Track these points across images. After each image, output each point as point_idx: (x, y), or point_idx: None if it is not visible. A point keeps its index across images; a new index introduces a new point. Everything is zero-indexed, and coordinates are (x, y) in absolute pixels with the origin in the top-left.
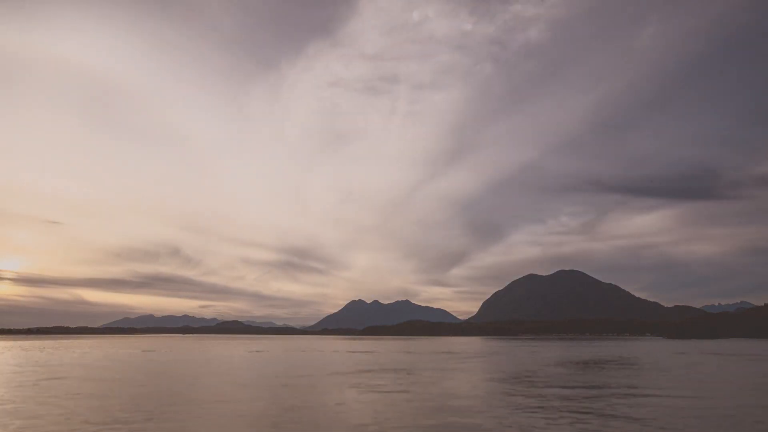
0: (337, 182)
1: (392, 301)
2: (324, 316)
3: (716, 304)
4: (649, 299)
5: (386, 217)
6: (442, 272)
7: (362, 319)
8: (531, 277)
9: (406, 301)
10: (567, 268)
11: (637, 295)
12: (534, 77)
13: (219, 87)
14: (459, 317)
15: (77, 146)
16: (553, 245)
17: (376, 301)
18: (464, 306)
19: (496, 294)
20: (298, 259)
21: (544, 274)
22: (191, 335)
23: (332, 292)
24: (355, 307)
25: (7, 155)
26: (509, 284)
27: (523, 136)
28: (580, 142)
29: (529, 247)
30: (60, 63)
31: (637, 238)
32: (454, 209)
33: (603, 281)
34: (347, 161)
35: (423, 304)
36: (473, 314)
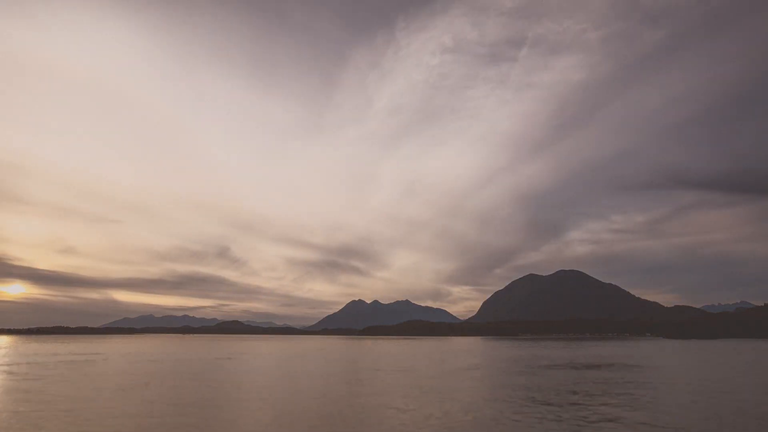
0: (403, 172)
1: (392, 301)
2: (324, 317)
3: (716, 304)
4: (649, 299)
5: (444, 212)
6: (483, 273)
7: (362, 319)
8: (531, 277)
9: (406, 301)
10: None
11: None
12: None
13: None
14: (459, 317)
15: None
16: (607, 243)
17: (376, 301)
18: (465, 306)
19: (496, 294)
20: (342, 259)
21: (545, 274)
22: (192, 335)
23: (363, 293)
24: (355, 307)
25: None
26: (509, 284)
27: (629, 121)
28: (684, 130)
29: (582, 245)
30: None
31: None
32: (518, 204)
33: (603, 281)
34: (424, 145)
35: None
36: (473, 314)
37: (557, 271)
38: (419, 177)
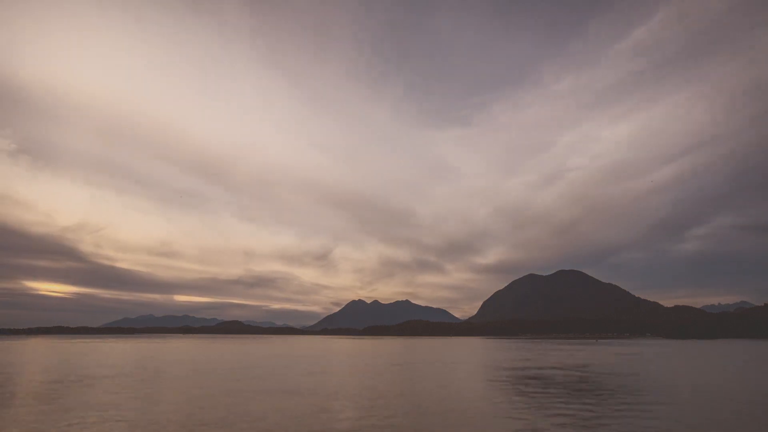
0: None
1: (392, 301)
2: (324, 316)
3: (716, 303)
4: (649, 299)
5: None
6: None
7: (362, 319)
8: (531, 277)
9: (406, 301)
10: (566, 268)
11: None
12: None
13: None
14: (459, 317)
15: None
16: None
17: (376, 301)
18: (466, 306)
19: (496, 294)
20: (434, 258)
21: (544, 274)
22: (196, 335)
23: (416, 292)
24: (355, 307)
25: None
26: (509, 284)
27: None
28: None
29: None
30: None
31: None
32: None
33: (603, 281)
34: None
35: (423, 304)
36: (473, 314)
37: (557, 271)
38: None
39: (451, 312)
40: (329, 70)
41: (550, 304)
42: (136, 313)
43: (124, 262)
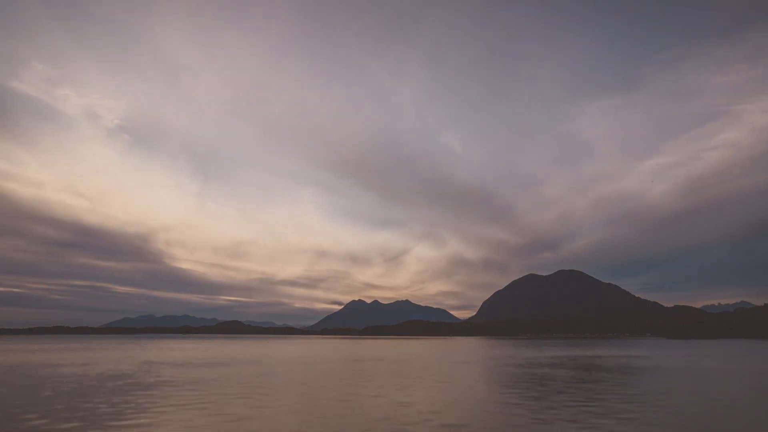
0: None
1: (392, 301)
2: (324, 316)
3: (716, 304)
4: (649, 299)
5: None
6: None
7: (362, 319)
8: (531, 277)
9: (406, 301)
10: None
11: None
12: None
13: None
14: (459, 317)
15: None
16: None
17: (375, 301)
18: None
19: (496, 294)
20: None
21: (544, 274)
22: (196, 335)
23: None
24: (355, 307)
25: None
26: (509, 284)
27: None
28: None
29: None
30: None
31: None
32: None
33: (603, 281)
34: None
35: (423, 304)
36: (473, 314)
37: (557, 271)
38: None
39: (451, 312)
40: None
41: (550, 304)
42: (136, 313)
43: (187, 262)
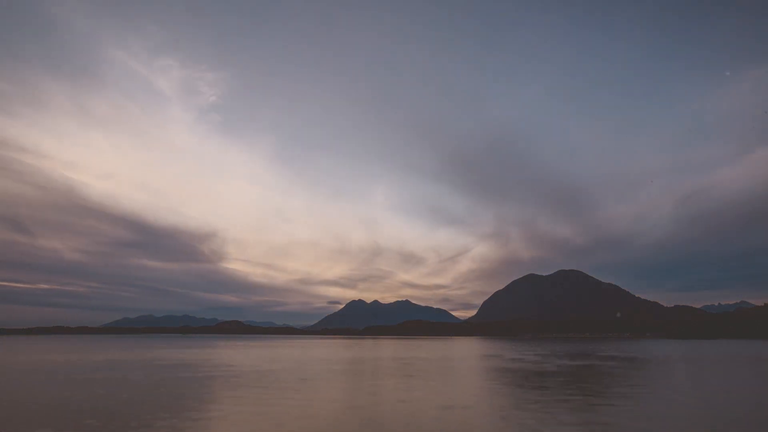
0: None
1: (392, 301)
2: (324, 316)
3: (716, 304)
4: (649, 299)
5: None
6: None
7: (362, 319)
8: (531, 277)
9: (406, 301)
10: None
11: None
12: None
13: None
14: (459, 317)
15: None
16: None
17: (375, 301)
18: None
19: (496, 294)
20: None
21: (544, 274)
22: (195, 335)
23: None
24: (355, 307)
25: None
26: (509, 284)
27: None
28: None
29: None
30: None
31: None
32: None
33: (603, 281)
34: None
35: (423, 304)
36: (473, 314)
37: (557, 271)
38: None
39: (451, 312)
40: None
41: (550, 304)
42: (136, 313)
43: (237, 262)
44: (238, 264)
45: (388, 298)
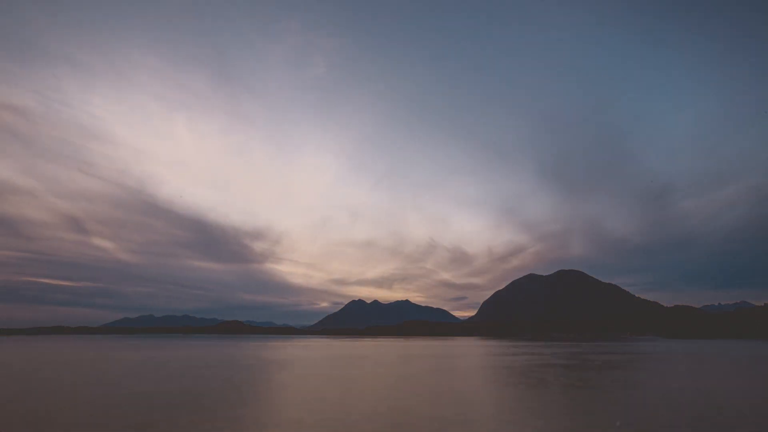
0: None
1: (392, 301)
2: (324, 316)
3: (716, 304)
4: (649, 299)
5: None
6: None
7: (362, 319)
8: (531, 277)
9: (406, 301)
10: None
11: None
12: None
13: None
14: (459, 317)
15: None
16: None
17: (375, 301)
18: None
19: (496, 294)
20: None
21: (544, 274)
22: (195, 335)
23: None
24: (355, 307)
25: None
26: (509, 284)
27: None
28: None
29: None
30: None
31: None
32: None
33: (603, 281)
34: None
35: (423, 304)
36: (473, 314)
37: (557, 271)
38: None
39: (451, 312)
40: None
41: (550, 304)
42: (136, 313)
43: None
44: (285, 265)
45: (386, 298)
